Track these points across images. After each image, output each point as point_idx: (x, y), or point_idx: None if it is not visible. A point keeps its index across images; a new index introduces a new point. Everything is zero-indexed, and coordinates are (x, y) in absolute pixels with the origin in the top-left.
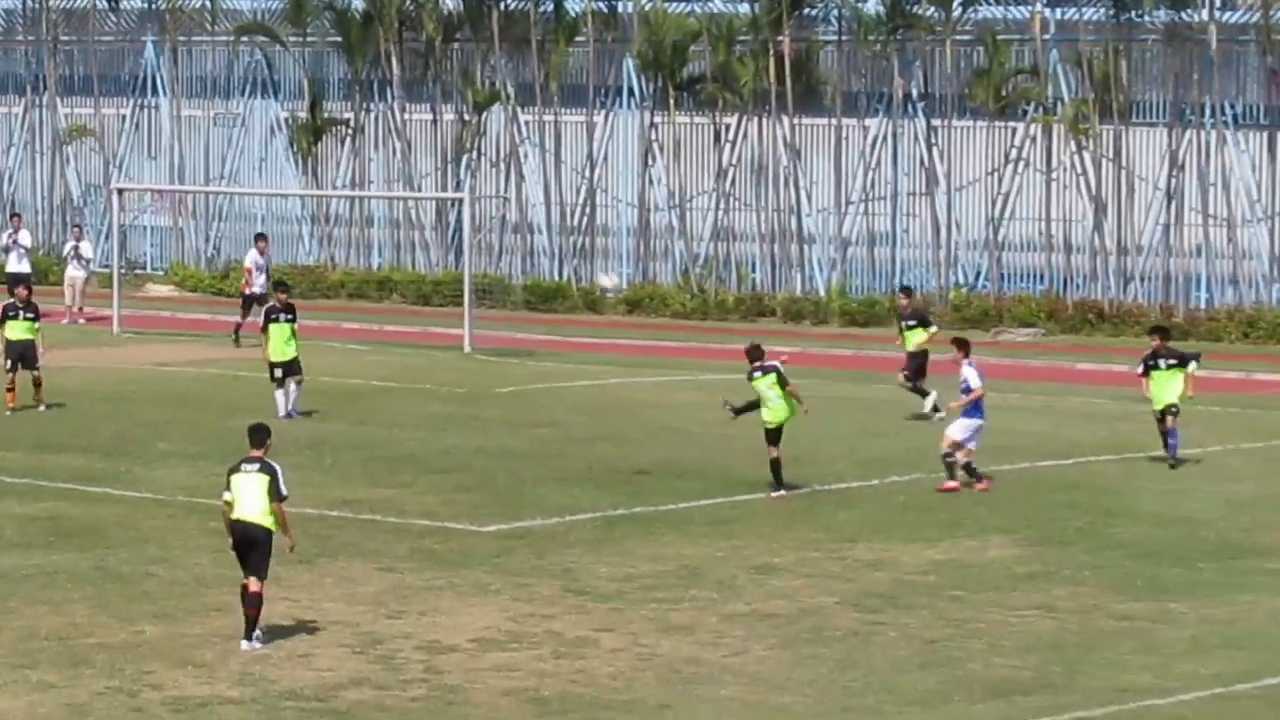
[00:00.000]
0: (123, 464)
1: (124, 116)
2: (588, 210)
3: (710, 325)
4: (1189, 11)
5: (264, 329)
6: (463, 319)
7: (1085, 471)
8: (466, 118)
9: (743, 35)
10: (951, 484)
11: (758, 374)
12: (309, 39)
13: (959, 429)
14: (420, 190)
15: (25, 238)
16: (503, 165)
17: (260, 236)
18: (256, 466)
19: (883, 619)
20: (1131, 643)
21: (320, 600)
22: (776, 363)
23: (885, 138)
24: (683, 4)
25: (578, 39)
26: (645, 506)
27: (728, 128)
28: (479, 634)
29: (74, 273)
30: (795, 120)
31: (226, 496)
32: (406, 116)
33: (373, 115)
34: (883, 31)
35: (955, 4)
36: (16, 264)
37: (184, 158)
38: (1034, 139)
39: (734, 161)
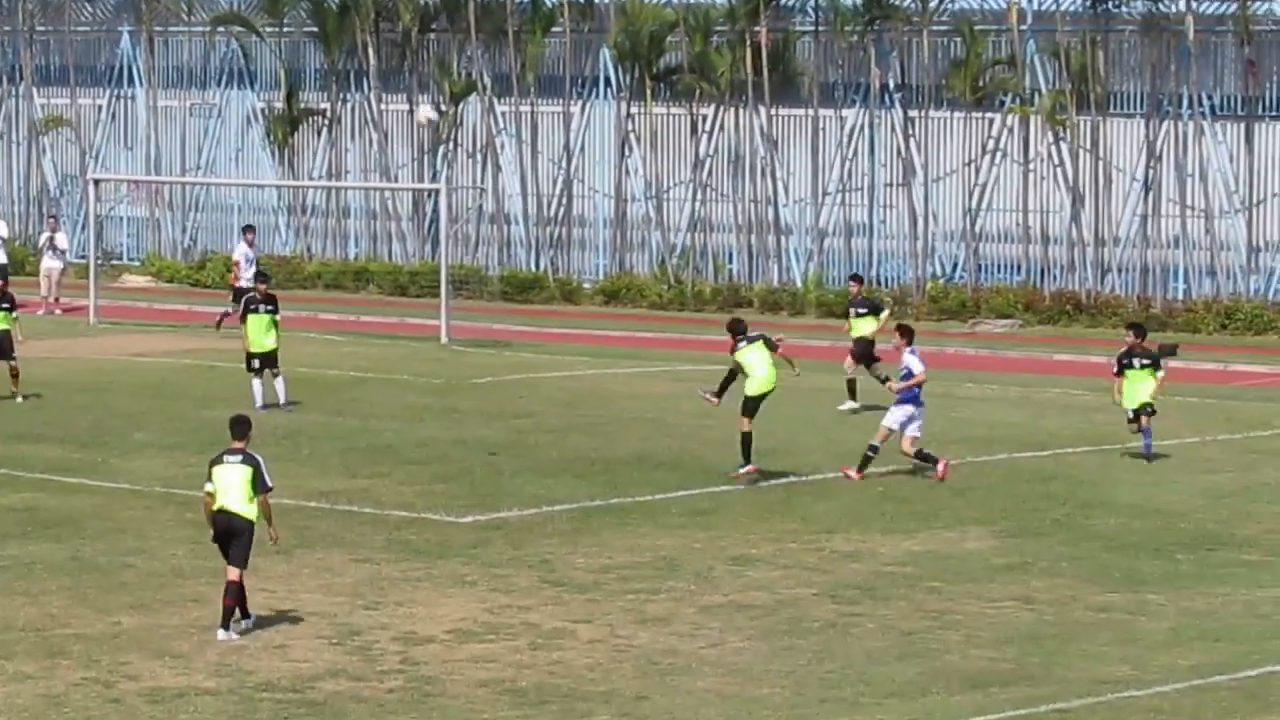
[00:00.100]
0: (99, 454)
1: (100, 107)
2: (564, 201)
3: (687, 316)
4: (1166, 2)
5: (242, 319)
6: (439, 310)
7: (1063, 463)
8: (443, 108)
9: (719, 26)
10: (856, 474)
11: (744, 343)
12: (285, 29)
13: (894, 417)
14: (396, 181)
15: (1, 228)
16: (479, 156)
17: (248, 228)
18: (239, 458)
19: (860, 610)
20: (1109, 634)
21: (297, 591)
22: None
23: (862, 128)
24: None
25: (554, 29)
26: (622, 497)
27: (704, 118)
28: (456, 625)
29: (50, 263)
30: (772, 111)
31: (208, 488)
32: (383, 107)
33: (349, 106)
34: (859, 22)
35: None
36: None
37: (160, 148)
38: (1011, 130)
39: (711, 152)
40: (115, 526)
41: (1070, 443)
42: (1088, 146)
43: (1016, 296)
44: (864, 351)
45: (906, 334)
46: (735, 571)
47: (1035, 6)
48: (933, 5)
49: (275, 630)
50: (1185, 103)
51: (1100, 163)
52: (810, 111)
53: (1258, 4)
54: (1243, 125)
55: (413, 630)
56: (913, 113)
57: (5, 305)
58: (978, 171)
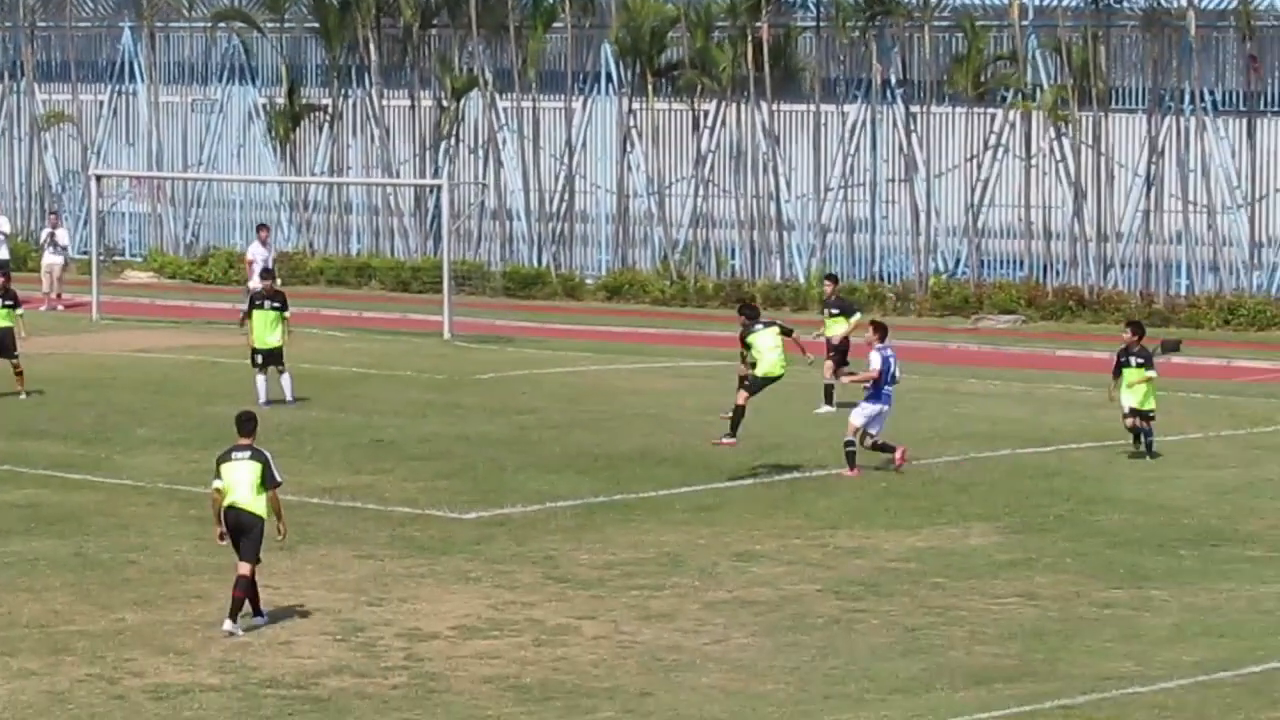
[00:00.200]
0: (102, 451)
1: (102, 103)
2: (566, 197)
3: (689, 312)
4: None
5: (248, 315)
6: (442, 305)
7: (1066, 459)
8: (444, 104)
9: (721, 21)
10: (851, 472)
11: (759, 327)
12: (286, 25)
13: (860, 414)
14: (398, 176)
15: (4, 224)
16: (481, 151)
17: (261, 226)
18: (247, 454)
19: (864, 606)
20: (1113, 630)
21: (301, 588)
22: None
23: (864, 124)
24: None
25: (555, 25)
26: (625, 494)
27: (706, 114)
28: (460, 621)
29: (51, 259)
30: (774, 106)
31: (217, 484)
32: (384, 103)
33: (350, 101)
34: (861, 17)
35: None
36: None
37: (162, 144)
38: (1013, 125)
39: (713, 148)
40: (118, 523)
41: (1073, 438)
42: (1090, 142)
43: (1019, 292)
44: (841, 354)
45: (879, 330)
46: (739, 568)
47: (1037, 2)
48: (934, 1)
49: (279, 626)
50: (1187, 98)
51: (1102, 158)
52: (812, 107)
53: None
54: (1244, 120)
55: (417, 626)
56: (914, 108)
57: (9, 302)
58: (980, 167)
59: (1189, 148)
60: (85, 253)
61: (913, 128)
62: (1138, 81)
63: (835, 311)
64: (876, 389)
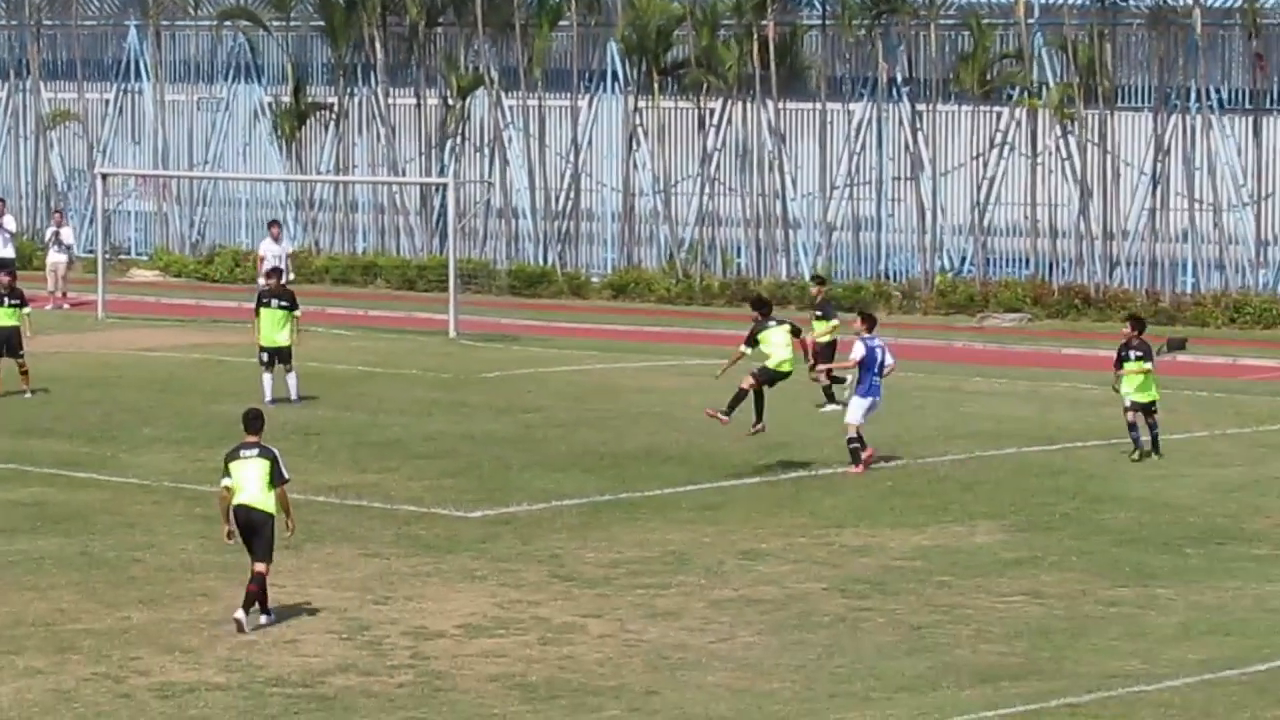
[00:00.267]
0: (108, 449)
1: (107, 101)
2: (572, 195)
3: (695, 310)
4: None
5: (255, 313)
6: (448, 304)
7: (1072, 457)
8: (450, 102)
9: (727, 19)
10: (856, 468)
11: (772, 324)
12: (292, 23)
13: (856, 412)
14: (404, 175)
15: (9, 223)
16: (487, 150)
17: (273, 223)
18: (255, 451)
19: (870, 605)
20: (1119, 628)
21: (307, 586)
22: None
23: (870, 122)
24: None
25: (561, 23)
26: (631, 492)
27: (712, 112)
28: (465, 620)
29: (55, 258)
30: (780, 105)
31: (226, 483)
32: (390, 101)
33: (356, 100)
34: (867, 16)
35: None
36: (1, 249)
37: (168, 142)
38: (1019, 123)
39: (719, 146)
40: (124, 521)
41: (1079, 437)
42: (1096, 140)
43: (1025, 290)
44: (827, 358)
45: (867, 320)
46: (745, 566)
47: (1042, 0)
48: None
49: (285, 625)
50: (1193, 96)
51: (1108, 156)
52: (818, 105)
53: None
54: (1250, 119)
55: (422, 625)
56: (920, 106)
57: (15, 301)
58: (986, 165)
59: (1195, 146)
60: (91, 251)
61: (918, 126)
62: (1144, 80)
63: (818, 315)
64: (865, 381)
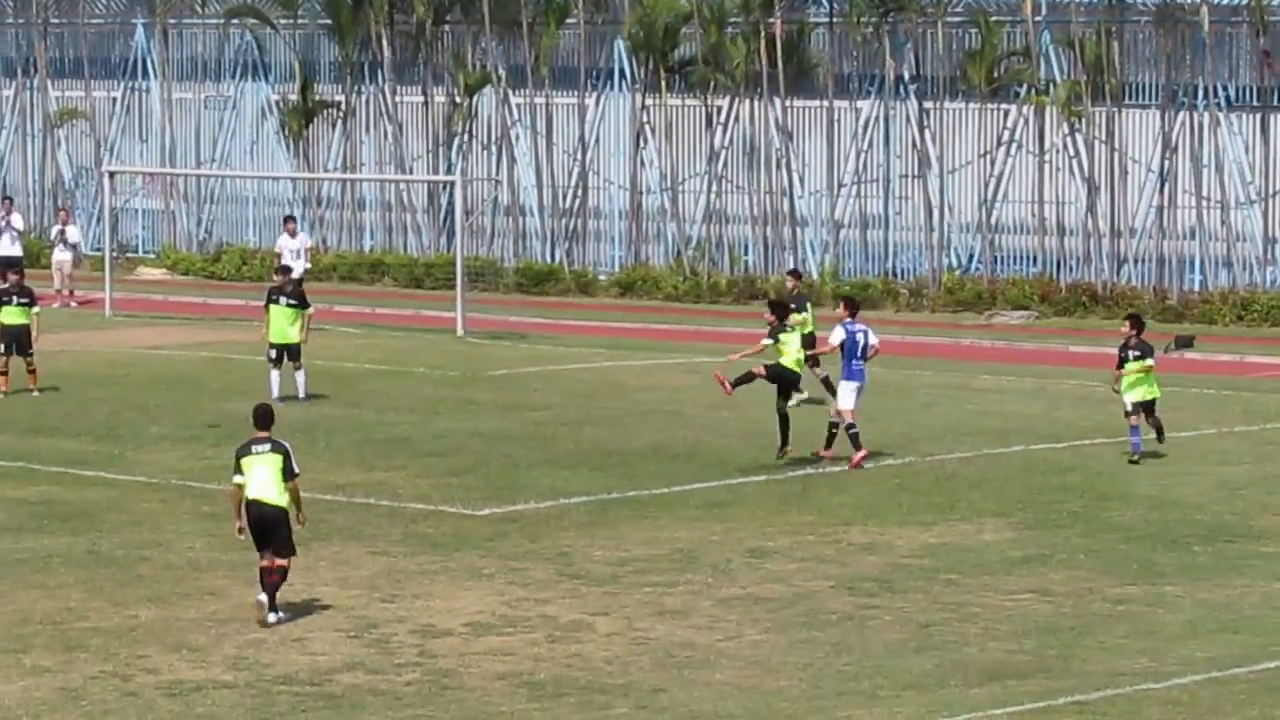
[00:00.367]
0: (115, 447)
1: (115, 99)
2: (579, 193)
3: (703, 308)
4: None
5: (265, 308)
6: (455, 302)
7: (1079, 454)
8: (457, 100)
9: (734, 17)
10: (860, 453)
11: (790, 329)
12: (299, 21)
13: (846, 398)
14: (411, 173)
15: (17, 221)
16: (494, 148)
17: (289, 219)
18: (267, 447)
19: (877, 603)
20: (1127, 626)
21: (314, 584)
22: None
23: (877, 120)
24: None
25: (568, 21)
26: (639, 490)
27: (719, 110)
28: (473, 618)
29: (60, 256)
30: (787, 102)
31: (237, 479)
32: (397, 99)
33: (363, 98)
34: (874, 13)
35: None
36: (8, 248)
37: (175, 140)
38: (1027, 121)
39: (726, 144)
40: (132, 519)
41: (1087, 434)
42: (1103, 137)
43: (1032, 288)
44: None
45: (849, 306)
46: (752, 564)
47: None
48: None
49: (293, 623)
50: (1200, 93)
51: (1116, 154)
52: (825, 103)
53: None
54: (1258, 116)
55: (430, 623)
56: (928, 104)
57: (24, 300)
58: (993, 163)
59: (1202, 143)
60: (98, 249)
61: (926, 123)
62: (1151, 77)
63: (793, 307)
64: (847, 366)
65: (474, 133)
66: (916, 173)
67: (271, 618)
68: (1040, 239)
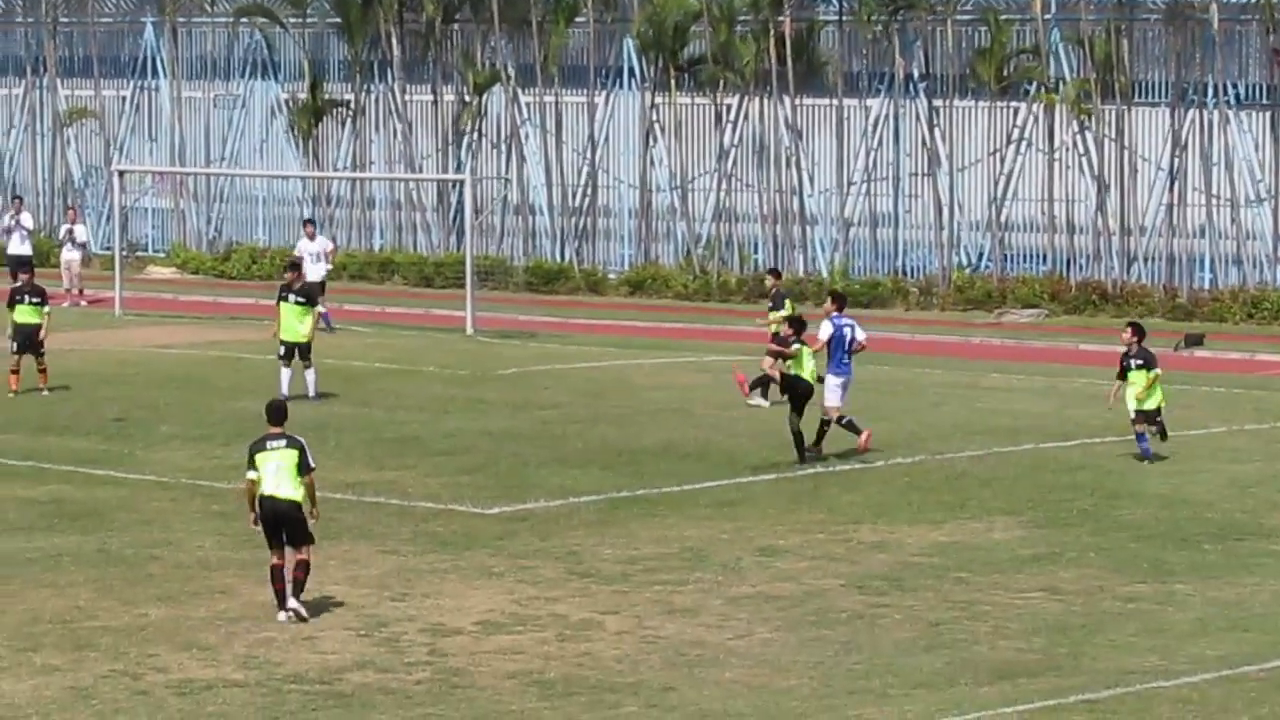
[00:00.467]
0: (125, 446)
1: (124, 98)
2: (589, 192)
3: (712, 306)
4: None
5: (276, 306)
6: (465, 301)
7: (1089, 453)
8: (467, 99)
9: (743, 15)
10: (862, 436)
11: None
12: (309, 20)
13: (833, 395)
14: (421, 172)
15: (27, 220)
16: (503, 146)
17: (308, 222)
18: (283, 442)
19: (887, 601)
20: (1137, 624)
21: (324, 583)
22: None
23: (887, 118)
24: None
25: (578, 19)
26: (648, 488)
27: (729, 108)
28: (483, 617)
29: (69, 255)
30: (797, 101)
31: (251, 475)
32: (407, 98)
33: (373, 97)
34: (884, 11)
35: None
36: (18, 246)
37: (184, 139)
38: (1036, 119)
39: (735, 142)
40: (141, 518)
41: (1097, 432)
42: (1113, 136)
43: (1042, 286)
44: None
45: (837, 300)
46: (762, 562)
47: None
48: None
49: (303, 622)
50: (1210, 91)
51: (1125, 152)
52: (835, 101)
53: None
54: (1268, 114)
55: (440, 622)
56: (937, 102)
57: (36, 299)
58: (1003, 161)
59: (1212, 141)
60: (108, 248)
61: (935, 122)
62: (1160, 75)
63: (771, 306)
64: (834, 360)
65: (483, 131)
66: (926, 171)
67: (283, 615)
68: (1050, 237)
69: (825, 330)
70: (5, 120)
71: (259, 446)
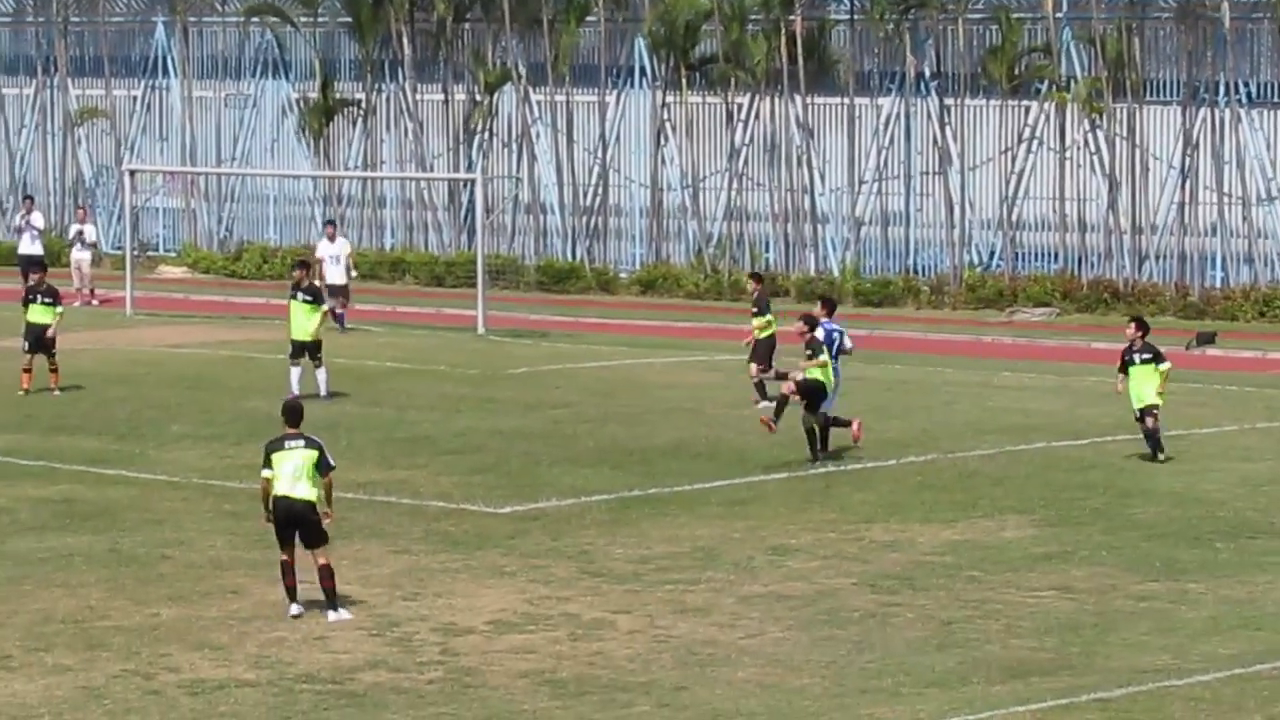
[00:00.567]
0: (137, 446)
1: (135, 98)
2: (600, 191)
3: (724, 306)
4: None
5: (287, 305)
6: (476, 300)
7: (1101, 451)
8: (478, 98)
9: (755, 14)
10: (855, 423)
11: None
12: (320, 19)
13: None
14: (432, 171)
15: (38, 220)
16: (515, 146)
17: (329, 223)
18: (301, 443)
19: (899, 600)
20: (1149, 623)
21: (336, 583)
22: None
23: (898, 117)
24: None
25: (589, 18)
26: (660, 488)
27: (740, 107)
28: (495, 616)
29: (78, 255)
30: (808, 99)
31: (266, 474)
32: (418, 97)
33: (384, 96)
34: (895, 10)
35: None
36: (29, 246)
37: (195, 139)
38: (1048, 117)
39: (747, 141)
40: (153, 518)
41: (1108, 431)
42: (1124, 134)
43: (1054, 285)
44: (765, 352)
45: (827, 305)
46: (774, 562)
47: None
48: None
49: (315, 622)
50: (1221, 90)
51: (1137, 150)
52: (846, 100)
53: None
54: (1279, 112)
55: (452, 621)
56: (948, 101)
57: (48, 299)
58: (1014, 159)
59: (1224, 140)
60: (119, 248)
61: (947, 120)
62: (1172, 74)
63: (755, 311)
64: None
65: (494, 130)
66: (937, 169)
67: (294, 610)
68: (1061, 235)
69: (821, 336)
70: (16, 120)
71: (276, 446)
